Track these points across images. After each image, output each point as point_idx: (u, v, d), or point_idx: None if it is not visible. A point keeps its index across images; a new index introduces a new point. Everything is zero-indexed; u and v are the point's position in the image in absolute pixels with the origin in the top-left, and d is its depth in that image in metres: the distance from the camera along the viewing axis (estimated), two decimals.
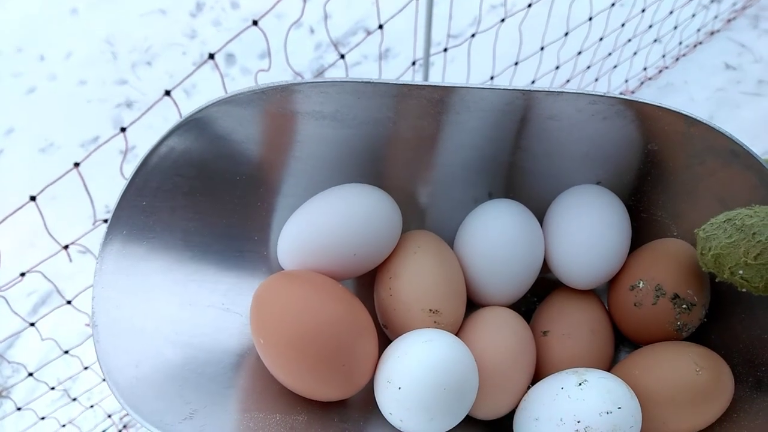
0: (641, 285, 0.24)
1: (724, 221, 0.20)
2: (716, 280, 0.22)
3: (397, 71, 1.22)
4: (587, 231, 0.25)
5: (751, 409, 0.23)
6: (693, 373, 0.22)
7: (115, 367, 0.21)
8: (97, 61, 1.46)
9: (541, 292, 0.28)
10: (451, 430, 0.23)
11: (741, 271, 0.19)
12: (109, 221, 0.23)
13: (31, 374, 0.79)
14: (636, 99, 0.23)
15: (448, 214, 0.27)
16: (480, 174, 0.27)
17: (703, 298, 0.24)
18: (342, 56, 0.66)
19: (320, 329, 0.22)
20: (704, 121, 0.23)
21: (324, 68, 1.33)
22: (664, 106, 0.23)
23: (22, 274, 0.63)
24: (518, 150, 0.26)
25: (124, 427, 1.02)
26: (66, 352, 0.77)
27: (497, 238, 0.25)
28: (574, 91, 0.23)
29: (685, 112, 0.23)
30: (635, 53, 1.12)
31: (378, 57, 1.30)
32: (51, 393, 0.97)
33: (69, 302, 0.71)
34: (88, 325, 0.78)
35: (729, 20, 1.25)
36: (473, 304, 0.27)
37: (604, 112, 0.23)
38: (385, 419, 0.23)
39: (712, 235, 0.20)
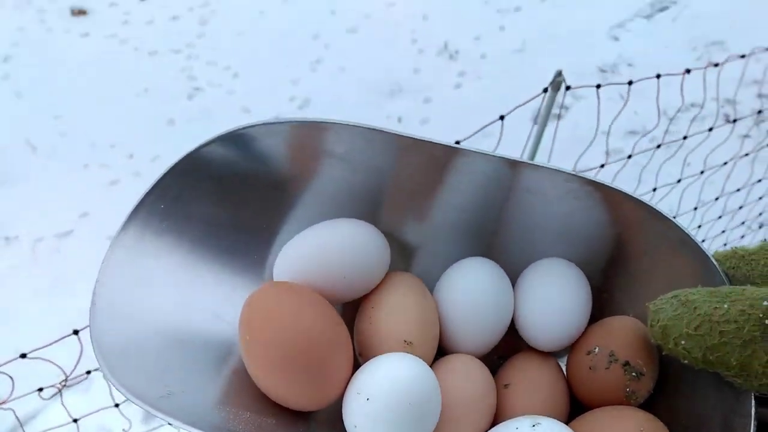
0: (597, 350, 0.27)
1: (671, 297, 0.23)
2: (663, 353, 0.23)
3: None
4: (554, 298, 0.28)
5: None
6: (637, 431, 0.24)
7: (105, 344, 0.23)
8: None
9: (507, 354, 0.30)
10: None
11: (683, 342, 0.21)
12: (127, 217, 0.25)
13: None
14: (604, 182, 0.26)
15: (431, 265, 0.30)
16: (464, 235, 0.29)
17: (651, 370, 0.26)
18: None
19: (303, 335, 0.24)
20: (660, 211, 0.25)
21: None
22: (627, 192, 0.26)
23: (88, 372, 0.66)
24: (500, 219, 0.29)
25: None
26: None
27: (472, 291, 0.28)
28: (551, 166, 0.26)
29: (645, 201, 0.26)
30: None
31: None
32: None
33: (117, 405, 0.72)
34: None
35: None
36: (444, 353, 0.28)
37: (576, 191, 0.27)
38: None
39: (661, 309, 0.23)
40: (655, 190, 0.99)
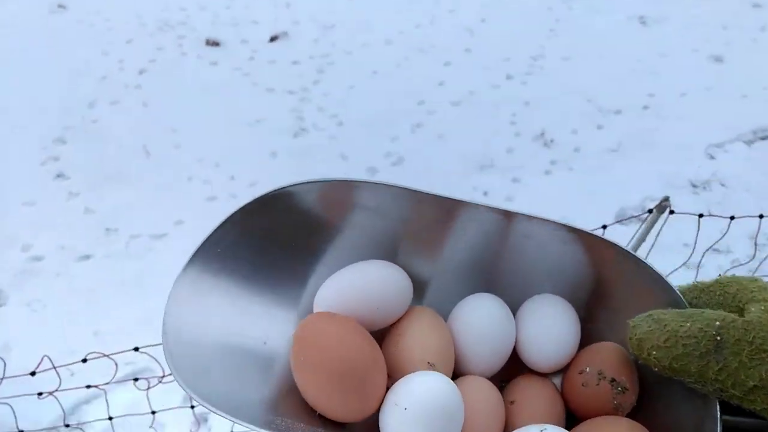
0: (588, 370, 0.31)
1: (647, 316, 0.27)
2: (639, 362, 0.28)
3: None
4: (549, 328, 0.33)
5: None
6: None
7: (179, 364, 0.27)
8: None
9: (510, 379, 0.34)
10: None
11: (654, 352, 0.26)
12: (189, 258, 0.30)
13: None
14: (584, 229, 0.31)
15: (443, 298, 0.35)
16: (470, 271, 0.34)
17: (634, 385, 0.31)
18: None
19: (347, 358, 0.28)
20: (633, 254, 0.30)
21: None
22: (605, 238, 0.31)
23: (136, 349, 0.72)
24: (501, 258, 0.34)
25: None
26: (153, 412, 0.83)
27: (481, 321, 0.33)
28: (542, 217, 0.31)
29: (619, 245, 0.30)
30: None
31: None
32: None
33: (192, 407, 0.78)
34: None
35: None
36: (456, 375, 0.33)
37: (564, 237, 0.32)
38: None
39: (638, 325, 0.27)
40: None
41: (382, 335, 0.33)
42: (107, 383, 0.76)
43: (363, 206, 0.32)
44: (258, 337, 0.32)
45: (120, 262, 1.53)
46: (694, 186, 1.71)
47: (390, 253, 0.34)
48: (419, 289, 0.35)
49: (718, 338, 0.25)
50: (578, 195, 1.62)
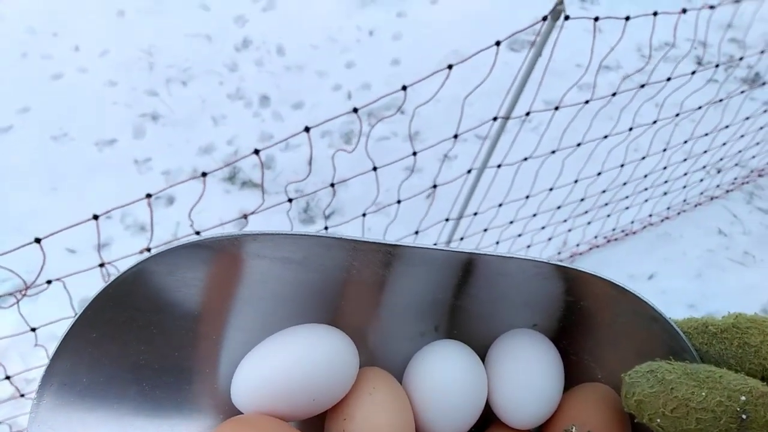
0: (574, 430, 0.27)
1: (648, 371, 0.23)
2: (635, 421, 0.24)
3: (425, 157, 1.26)
4: (526, 375, 0.28)
5: None
6: None
7: None
8: (133, 67, 1.46)
9: (478, 423, 0.29)
10: None
11: (658, 420, 0.22)
12: (53, 352, 0.22)
13: None
14: (574, 267, 0.27)
15: (397, 347, 0.29)
16: (426, 313, 0.29)
17: None
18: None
19: None
20: (631, 291, 0.26)
21: (353, 132, 1.37)
22: (598, 275, 0.27)
23: (49, 282, 0.62)
24: (464, 294, 0.28)
25: None
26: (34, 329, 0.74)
27: (444, 382, 0.27)
28: (521, 257, 0.26)
29: (615, 281, 0.26)
30: (646, 200, 1.20)
31: (408, 137, 1.35)
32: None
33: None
34: None
35: (728, 191, 1.36)
36: None
37: (545, 274, 0.27)
38: None
39: (636, 382, 0.23)
40: (631, 129, 0.99)
41: (323, 415, 0.26)
42: None
43: (288, 260, 0.25)
44: None
45: None
46: (582, 0, 1.65)
47: (324, 311, 0.26)
48: (365, 345, 0.27)
49: (744, 417, 0.21)
50: (467, 23, 1.52)
